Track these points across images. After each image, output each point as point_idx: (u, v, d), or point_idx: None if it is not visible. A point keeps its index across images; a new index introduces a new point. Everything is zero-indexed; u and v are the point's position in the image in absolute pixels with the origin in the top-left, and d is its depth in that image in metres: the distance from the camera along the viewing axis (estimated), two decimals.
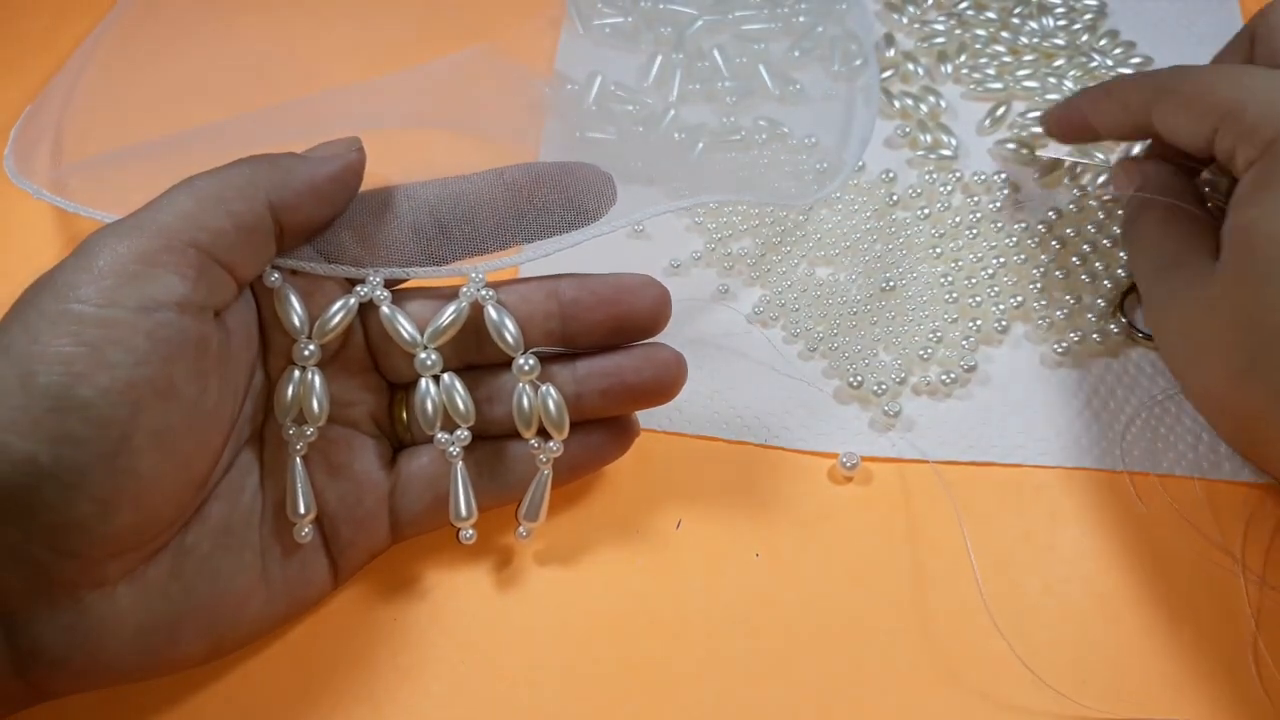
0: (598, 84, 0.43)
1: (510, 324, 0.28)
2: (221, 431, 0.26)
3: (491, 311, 0.28)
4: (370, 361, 0.29)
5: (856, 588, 0.31)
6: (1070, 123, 0.37)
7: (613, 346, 0.29)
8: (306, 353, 0.27)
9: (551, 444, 0.29)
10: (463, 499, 0.29)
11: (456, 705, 0.29)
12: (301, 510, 0.27)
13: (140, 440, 0.23)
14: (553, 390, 0.28)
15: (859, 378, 0.35)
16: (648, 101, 0.43)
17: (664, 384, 0.29)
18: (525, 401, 0.28)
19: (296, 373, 0.27)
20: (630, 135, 0.41)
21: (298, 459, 0.28)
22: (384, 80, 0.40)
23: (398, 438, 0.30)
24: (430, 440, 0.29)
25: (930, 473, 0.33)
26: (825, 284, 0.37)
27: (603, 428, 0.30)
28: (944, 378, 0.35)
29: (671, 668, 0.29)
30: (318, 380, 0.27)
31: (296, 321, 0.27)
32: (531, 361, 0.28)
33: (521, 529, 0.30)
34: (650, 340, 0.30)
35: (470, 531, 0.29)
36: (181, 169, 0.27)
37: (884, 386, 0.34)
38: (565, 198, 0.29)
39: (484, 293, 0.28)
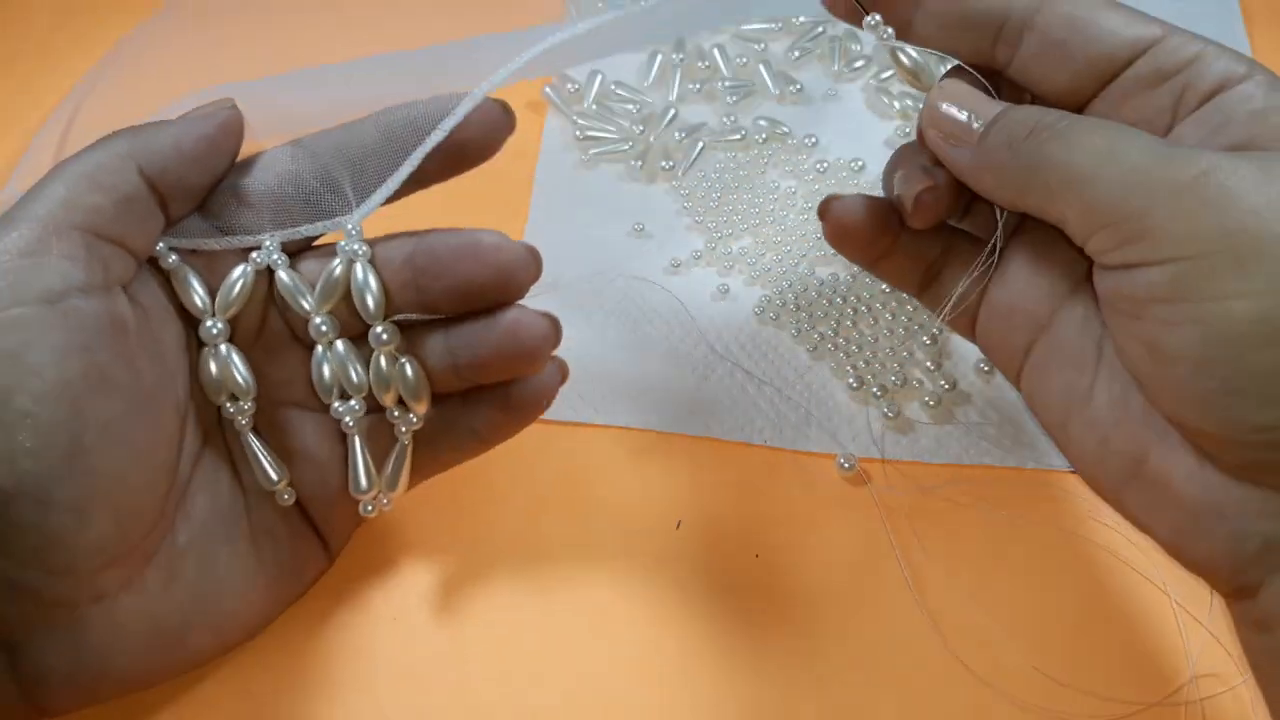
0: (598, 84, 0.43)
1: (374, 287, 0.27)
2: (171, 414, 0.26)
3: (358, 273, 0.27)
4: (290, 332, 0.28)
5: (856, 588, 0.31)
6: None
7: (484, 310, 0.27)
8: (215, 330, 0.27)
9: (411, 415, 0.28)
10: (362, 471, 0.28)
11: (458, 704, 0.29)
12: (274, 478, 0.27)
13: (91, 438, 0.23)
14: (410, 362, 0.27)
15: (859, 379, 0.35)
16: (648, 101, 0.43)
17: (514, 352, 0.27)
18: (381, 369, 0.27)
19: (212, 350, 0.27)
20: (630, 135, 0.41)
21: (249, 433, 0.27)
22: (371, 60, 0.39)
23: None
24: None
25: (929, 474, 0.33)
26: (825, 284, 0.37)
27: (492, 397, 0.28)
28: (943, 382, 0.35)
29: (672, 667, 0.29)
30: (235, 355, 0.27)
31: (199, 301, 0.27)
32: (389, 332, 0.27)
33: (382, 499, 0.29)
34: (518, 304, 0.27)
35: (371, 505, 0.29)
36: None
37: (884, 388, 0.34)
38: (453, 138, 0.26)
39: (358, 248, 0.27)
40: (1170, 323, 0.21)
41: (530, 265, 0.27)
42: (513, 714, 0.29)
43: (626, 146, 0.41)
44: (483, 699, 0.29)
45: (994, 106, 0.25)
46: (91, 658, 0.24)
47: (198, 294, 0.27)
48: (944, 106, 0.25)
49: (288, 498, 0.28)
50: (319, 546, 0.29)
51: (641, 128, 0.42)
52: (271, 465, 0.27)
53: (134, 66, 0.43)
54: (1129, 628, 0.30)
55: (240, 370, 0.27)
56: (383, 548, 0.31)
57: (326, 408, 0.29)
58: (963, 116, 0.25)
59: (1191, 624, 0.30)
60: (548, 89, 0.43)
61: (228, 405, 0.27)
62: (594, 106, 0.43)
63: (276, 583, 0.28)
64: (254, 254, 0.27)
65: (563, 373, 0.29)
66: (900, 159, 0.28)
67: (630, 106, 0.43)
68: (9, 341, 0.22)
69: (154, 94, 0.42)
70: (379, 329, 0.27)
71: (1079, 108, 0.25)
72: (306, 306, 0.27)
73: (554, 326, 0.27)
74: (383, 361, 0.27)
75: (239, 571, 0.27)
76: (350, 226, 0.27)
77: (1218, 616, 0.30)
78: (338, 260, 0.27)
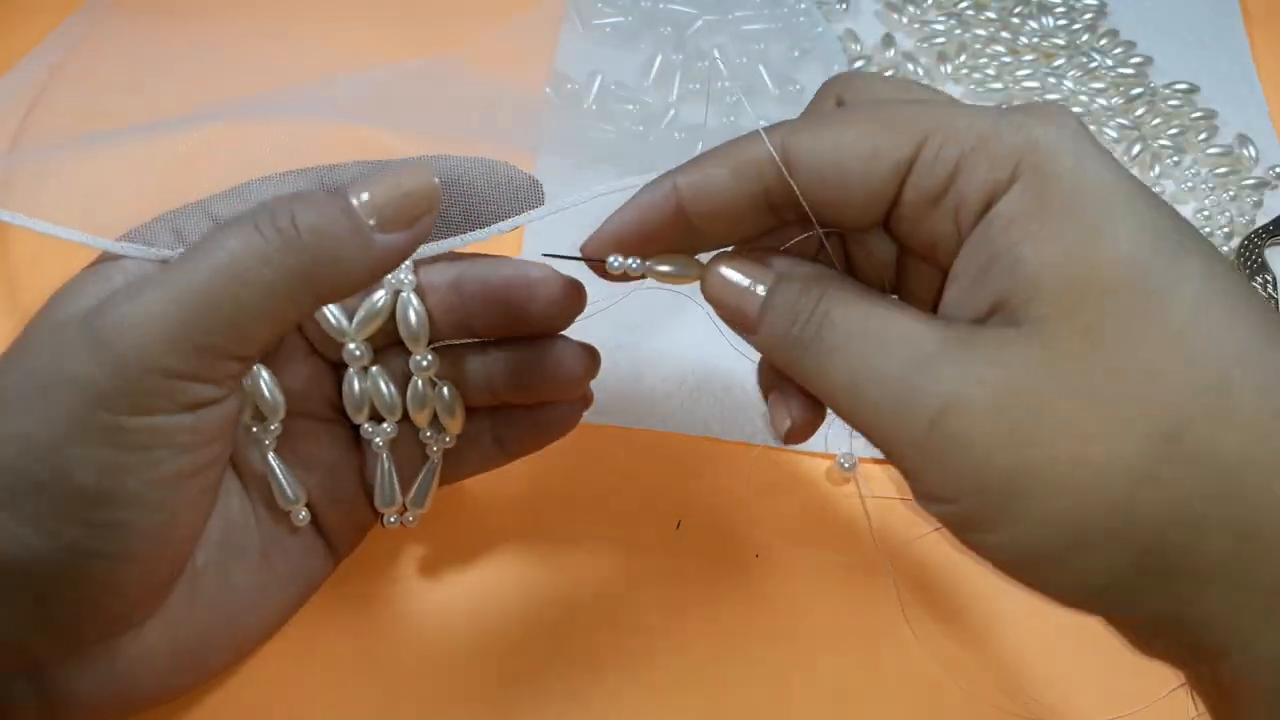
0: (598, 84, 0.43)
1: (421, 318, 0.27)
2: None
3: (401, 305, 0.27)
4: (308, 345, 0.28)
5: (855, 588, 0.31)
6: (646, 223, 0.23)
7: (527, 336, 0.28)
8: None
9: (445, 436, 0.29)
10: (390, 489, 0.29)
11: (459, 705, 0.29)
12: (291, 498, 0.27)
13: (184, 511, 0.23)
14: (448, 386, 0.28)
15: None
16: (648, 101, 0.43)
17: (557, 382, 0.28)
18: (419, 393, 0.28)
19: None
20: (630, 134, 0.41)
21: (271, 454, 0.27)
22: (376, 73, 0.39)
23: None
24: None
25: None
26: None
27: (520, 416, 0.29)
28: None
29: (671, 667, 0.29)
30: (265, 374, 0.27)
31: None
32: (429, 359, 0.28)
33: (408, 515, 0.29)
34: (561, 335, 0.28)
35: (395, 517, 0.29)
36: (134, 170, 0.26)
37: None
38: (479, 204, 0.26)
39: (405, 278, 0.27)
40: (967, 542, 0.20)
41: (577, 301, 0.27)
42: (511, 712, 0.29)
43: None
44: (482, 697, 0.29)
45: (764, 279, 0.22)
46: (117, 683, 0.24)
47: None
48: (719, 292, 0.23)
49: (303, 517, 0.28)
50: (326, 552, 0.29)
51: (641, 127, 0.42)
52: (290, 487, 0.27)
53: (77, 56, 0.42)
54: None
55: (273, 392, 0.27)
56: (383, 550, 0.31)
57: (339, 418, 0.29)
58: (737, 300, 0.23)
59: None
60: (548, 89, 0.43)
61: (254, 425, 0.27)
62: (594, 106, 0.43)
63: (285, 589, 0.28)
64: None
65: (586, 400, 0.30)
66: (768, 377, 0.26)
67: (630, 106, 0.43)
68: (138, 439, 0.22)
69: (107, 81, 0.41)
70: (418, 357, 0.27)
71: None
72: (337, 329, 0.27)
73: (595, 360, 0.28)
74: (420, 384, 0.28)
75: (252, 583, 0.27)
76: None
77: None
78: (383, 290, 0.27)
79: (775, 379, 0.25)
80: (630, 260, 0.24)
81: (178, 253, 0.24)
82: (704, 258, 0.24)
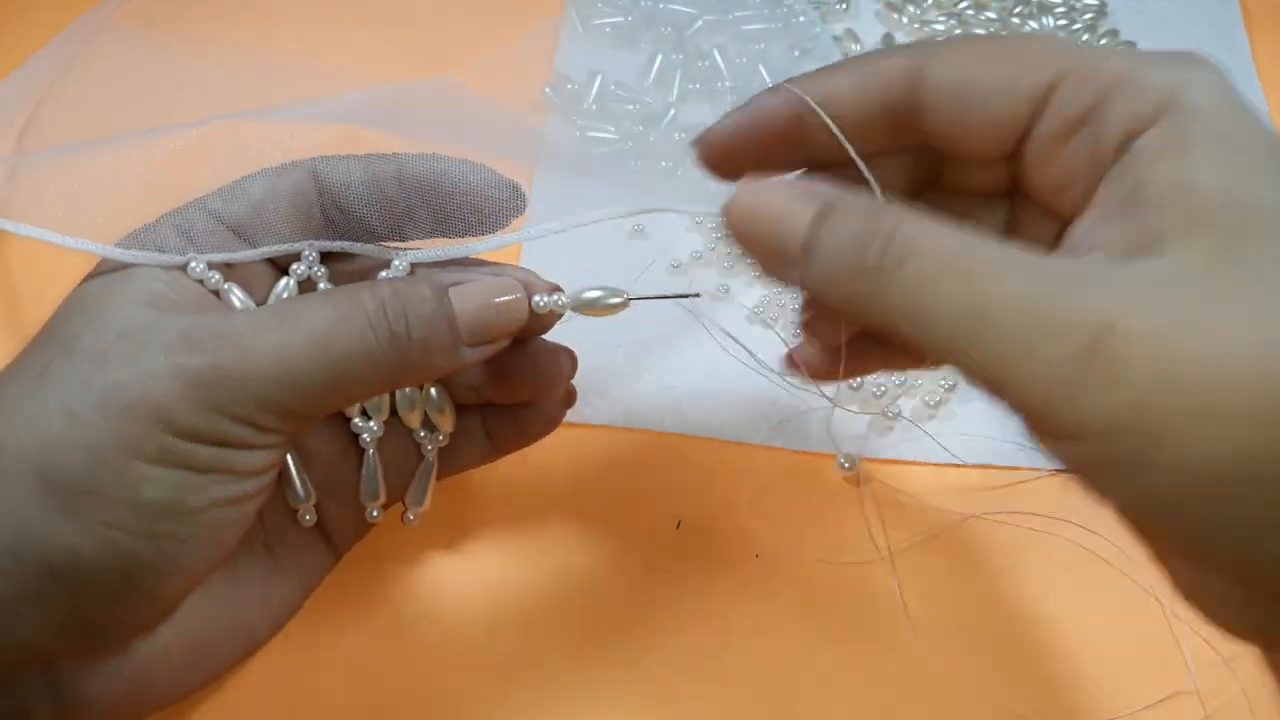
0: (598, 84, 0.43)
1: None
2: None
3: None
4: None
5: (854, 589, 0.31)
6: (762, 125, 0.22)
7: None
8: None
9: (439, 435, 0.29)
10: (374, 483, 0.29)
11: (459, 703, 0.29)
12: (302, 497, 0.28)
13: (235, 529, 0.24)
14: (435, 389, 0.28)
15: (859, 378, 0.35)
16: (648, 101, 0.43)
17: (536, 383, 0.28)
18: (406, 395, 0.28)
19: None
20: (630, 134, 0.42)
21: (288, 451, 0.27)
22: (376, 92, 0.39)
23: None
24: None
25: (927, 474, 0.33)
26: None
27: (506, 414, 0.30)
28: (943, 381, 0.35)
29: (671, 666, 0.29)
30: None
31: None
32: None
33: (409, 515, 0.30)
34: (541, 338, 0.28)
35: (377, 512, 0.29)
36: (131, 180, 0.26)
37: (884, 387, 0.34)
38: (458, 207, 0.27)
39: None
40: (1102, 485, 0.18)
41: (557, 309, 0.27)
42: (511, 710, 0.29)
43: (627, 146, 0.41)
44: (481, 695, 0.29)
45: (808, 204, 0.20)
46: (131, 684, 0.24)
47: (248, 308, 0.26)
48: (751, 219, 0.21)
49: (309, 519, 0.28)
50: (327, 548, 0.29)
51: (641, 127, 0.42)
52: (300, 485, 0.28)
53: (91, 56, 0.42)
54: (1123, 631, 0.30)
55: None
56: (383, 548, 0.31)
57: (338, 414, 0.29)
58: (776, 227, 0.20)
59: (1185, 629, 0.30)
60: (548, 89, 0.43)
61: None
62: (594, 106, 0.43)
63: (289, 586, 0.28)
64: (295, 266, 0.27)
65: (570, 399, 0.30)
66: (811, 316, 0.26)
67: (630, 106, 0.43)
68: (208, 460, 0.23)
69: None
70: None
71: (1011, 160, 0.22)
72: None
73: (573, 362, 0.29)
74: (408, 388, 0.28)
75: (258, 580, 0.27)
76: (398, 263, 0.27)
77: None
78: None
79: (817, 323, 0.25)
80: (554, 297, 0.26)
81: (190, 259, 0.25)
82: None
